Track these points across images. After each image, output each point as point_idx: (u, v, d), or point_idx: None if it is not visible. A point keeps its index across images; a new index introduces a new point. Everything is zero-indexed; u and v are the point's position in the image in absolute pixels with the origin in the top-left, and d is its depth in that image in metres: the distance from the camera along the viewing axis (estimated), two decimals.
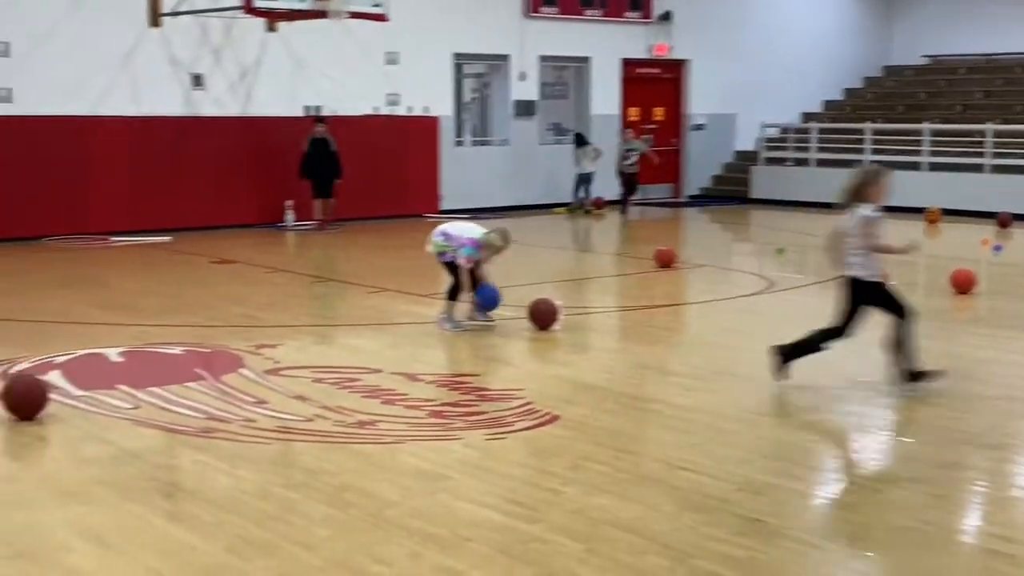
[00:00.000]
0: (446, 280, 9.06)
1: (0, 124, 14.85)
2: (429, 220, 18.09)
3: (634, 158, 19.43)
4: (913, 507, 4.95)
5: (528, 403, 6.67)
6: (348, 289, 11.58)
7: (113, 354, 8.08)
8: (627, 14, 20.98)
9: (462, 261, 8.83)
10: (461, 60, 19.55)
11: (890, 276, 6.91)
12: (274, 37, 16.88)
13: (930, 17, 24.54)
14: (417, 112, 18.59)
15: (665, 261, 12.61)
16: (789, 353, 7.05)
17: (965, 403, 6.79)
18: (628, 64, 21.39)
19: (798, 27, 23.61)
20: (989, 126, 19.62)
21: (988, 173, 19.40)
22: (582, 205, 19.50)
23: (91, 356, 8.02)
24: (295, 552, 4.42)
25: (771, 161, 22.43)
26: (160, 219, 15.99)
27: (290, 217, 16.95)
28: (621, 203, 19.50)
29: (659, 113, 22.28)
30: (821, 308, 10.30)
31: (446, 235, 8.88)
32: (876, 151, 20.50)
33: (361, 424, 6.22)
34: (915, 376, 6.86)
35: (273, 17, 15.91)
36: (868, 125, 21.26)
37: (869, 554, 4.46)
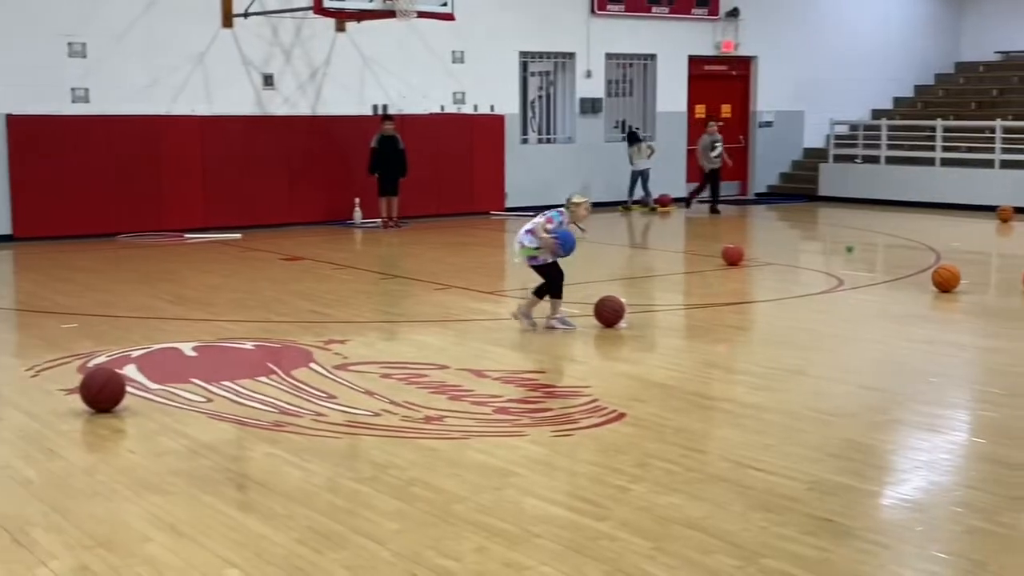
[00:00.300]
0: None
1: (78, 124, 15.20)
2: (494, 217, 18.24)
3: (719, 149, 19.08)
4: (986, 509, 4.88)
5: (594, 400, 6.67)
6: (414, 286, 11.67)
7: (187, 348, 8.23)
8: (694, 11, 20.87)
9: (555, 224, 8.57)
10: (527, 58, 19.59)
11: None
12: (343, 37, 17.09)
13: (1001, 12, 24.06)
14: (483, 110, 18.67)
15: (733, 259, 12.53)
16: None
17: None
18: (694, 61, 21.28)
19: (866, 23, 23.29)
20: None
21: None
22: (646, 203, 19.43)
23: (166, 350, 8.18)
24: (365, 545, 4.47)
25: (840, 158, 22.16)
26: (231, 216, 16.25)
27: (358, 215, 17.11)
28: (711, 201, 19.17)
29: (726, 110, 22.12)
30: (891, 307, 10.22)
31: (529, 232, 8.68)
32: (947, 148, 20.18)
33: (428, 419, 6.27)
34: None
35: (343, 17, 16.10)
36: (939, 122, 20.87)
37: (941, 555, 4.41)
